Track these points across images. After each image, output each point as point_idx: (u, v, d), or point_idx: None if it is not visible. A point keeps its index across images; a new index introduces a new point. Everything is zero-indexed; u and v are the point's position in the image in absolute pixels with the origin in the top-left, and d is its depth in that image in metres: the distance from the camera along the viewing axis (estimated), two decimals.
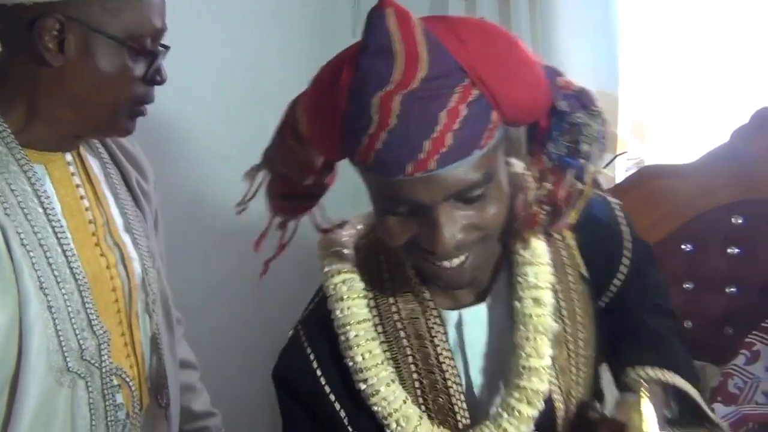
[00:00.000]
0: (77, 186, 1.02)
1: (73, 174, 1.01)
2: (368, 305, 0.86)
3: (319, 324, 0.89)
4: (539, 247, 0.86)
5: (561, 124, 0.78)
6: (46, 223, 0.93)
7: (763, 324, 1.47)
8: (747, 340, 1.48)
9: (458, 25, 0.73)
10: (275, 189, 0.89)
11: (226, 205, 1.90)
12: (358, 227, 0.95)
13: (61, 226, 0.95)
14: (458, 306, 0.88)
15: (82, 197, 1.02)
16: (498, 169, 0.75)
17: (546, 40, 1.89)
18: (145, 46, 0.94)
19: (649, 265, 0.99)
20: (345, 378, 0.86)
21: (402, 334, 0.86)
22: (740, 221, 1.70)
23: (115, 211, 1.07)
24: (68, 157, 1.01)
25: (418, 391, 0.86)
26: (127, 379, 1.01)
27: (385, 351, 0.85)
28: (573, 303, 0.90)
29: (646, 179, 1.81)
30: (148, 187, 1.16)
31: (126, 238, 1.07)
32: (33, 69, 0.90)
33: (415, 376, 0.86)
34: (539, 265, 0.85)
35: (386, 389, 0.83)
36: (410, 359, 0.86)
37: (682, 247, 1.77)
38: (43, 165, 0.96)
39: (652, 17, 1.88)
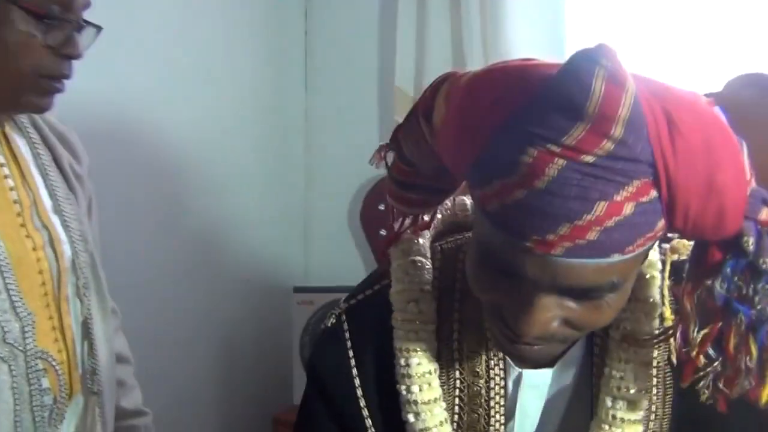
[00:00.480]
0: (0, 165, 0.98)
1: None
2: (437, 344, 0.77)
3: (373, 320, 0.79)
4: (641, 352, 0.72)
5: (740, 262, 0.61)
6: None
7: None
8: None
9: (680, 107, 0.57)
10: (397, 174, 0.77)
11: (168, 194, 1.88)
12: (442, 217, 0.84)
13: None
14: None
15: (6, 176, 0.98)
16: (631, 277, 0.63)
17: (495, 32, 1.91)
18: (50, 13, 0.89)
19: None
20: (383, 390, 0.78)
21: (457, 365, 0.77)
22: None
23: (44, 193, 1.03)
24: None
25: (455, 425, 0.77)
26: (54, 364, 0.98)
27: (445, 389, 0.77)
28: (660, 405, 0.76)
29: None
30: (81, 170, 1.13)
31: (55, 220, 1.03)
32: None
33: (456, 409, 0.77)
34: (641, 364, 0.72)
35: (437, 429, 0.75)
36: (457, 391, 0.77)
37: None
38: None
39: (598, 11, 1.90)
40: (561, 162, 0.54)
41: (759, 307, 0.61)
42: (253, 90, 2.23)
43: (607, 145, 0.54)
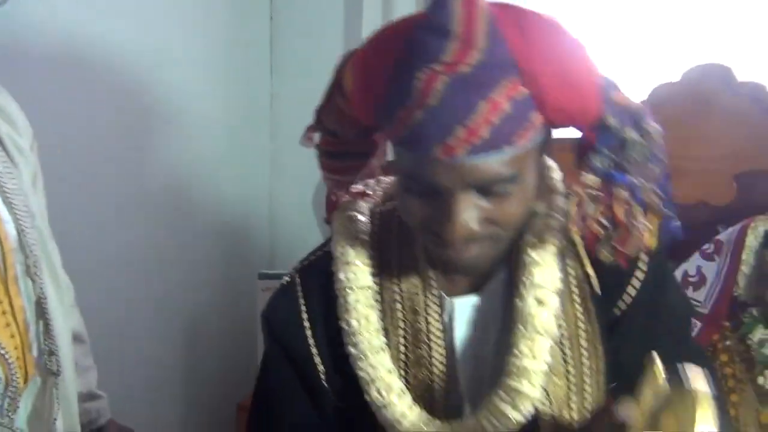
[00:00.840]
0: None
1: None
2: (372, 273, 0.86)
3: (319, 279, 0.89)
4: (550, 251, 0.83)
5: (608, 138, 0.75)
6: None
7: None
8: None
9: (526, 19, 0.72)
10: (325, 147, 0.90)
11: (130, 179, 1.86)
12: (378, 193, 0.94)
13: None
14: (454, 294, 0.87)
15: None
16: (528, 170, 0.73)
17: None
18: None
19: (668, 289, 0.91)
20: (331, 338, 0.87)
21: (398, 306, 0.86)
22: None
23: None
24: None
25: (402, 364, 0.85)
26: (2, 352, 0.94)
27: (381, 319, 0.86)
28: (577, 319, 0.85)
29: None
30: (22, 142, 1.06)
31: None
32: None
33: (402, 348, 0.85)
34: (548, 267, 0.82)
35: (375, 357, 0.83)
36: (401, 332, 0.85)
37: None
38: None
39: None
40: (444, 77, 0.67)
41: (632, 172, 0.75)
42: (217, 76, 2.20)
43: (476, 56, 0.68)
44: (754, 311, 1.37)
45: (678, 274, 1.53)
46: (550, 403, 0.82)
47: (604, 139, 0.76)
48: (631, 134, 0.75)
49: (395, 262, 0.87)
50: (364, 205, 0.92)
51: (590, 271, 0.85)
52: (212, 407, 2.28)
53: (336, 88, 0.82)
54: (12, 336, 0.95)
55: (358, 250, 0.87)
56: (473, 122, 0.67)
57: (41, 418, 1.02)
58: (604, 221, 0.77)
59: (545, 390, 0.81)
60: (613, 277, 0.84)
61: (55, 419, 1.05)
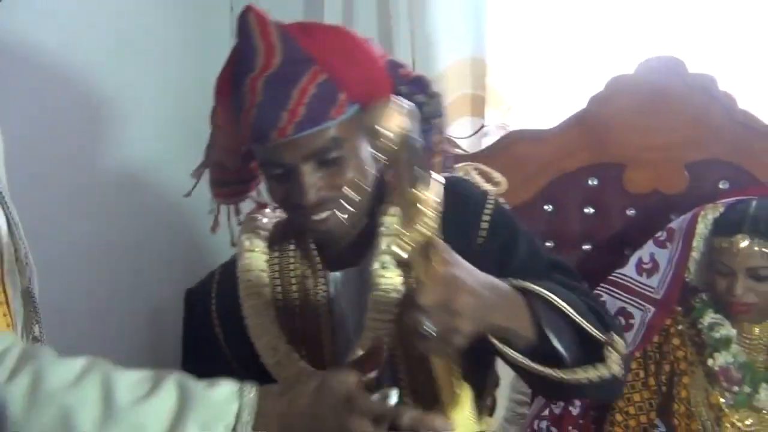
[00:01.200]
0: None
1: None
2: (270, 267, 1.05)
3: (229, 277, 1.08)
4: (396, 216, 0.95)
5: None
6: None
7: (608, 277, 1.59)
8: (595, 292, 1.59)
9: (310, 26, 0.96)
10: (214, 177, 1.09)
11: (92, 175, 1.82)
12: (278, 213, 1.11)
13: None
14: (339, 269, 1.05)
15: None
16: (353, 139, 0.93)
17: (420, 10, 1.95)
18: None
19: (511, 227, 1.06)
20: (236, 319, 1.04)
21: (294, 288, 1.04)
22: (595, 183, 1.82)
23: None
24: None
25: (289, 331, 1.02)
26: None
27: (276, 299, 1.04)
28: None
29: (512, 143, 1.89)
30: None
31: None
32: None
33: (297, 321, 1.03)
34: (390, 236, 0.97)
35: (268, 324, 1.01)
36: (297, 309, 1.03)
37: (545, 207, 1.87)
38: None
39: None
40: (260, 79, 0.89)
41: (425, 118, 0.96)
42: (177, 67, 2.17)
43: (278, 58, 0.89)
44: (704, 296, 1.42)
45: (633, 261, 1.58)
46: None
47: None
48: (420, 97, 0.97)
49: (292, 259, 1.06)
50: (268, 212, 1.11)
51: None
52: None
53: (214, 127, 1.04)
54: (8, 326, 0.94)
55: (256, 241, 1.07)
56: (291, 106, 0.88)
57: None
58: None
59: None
60: (466, 218, 1.01)
61: None
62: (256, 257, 1.06)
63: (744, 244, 1.29)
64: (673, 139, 1.72)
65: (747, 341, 1.35)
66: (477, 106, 1.98)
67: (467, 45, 1.95)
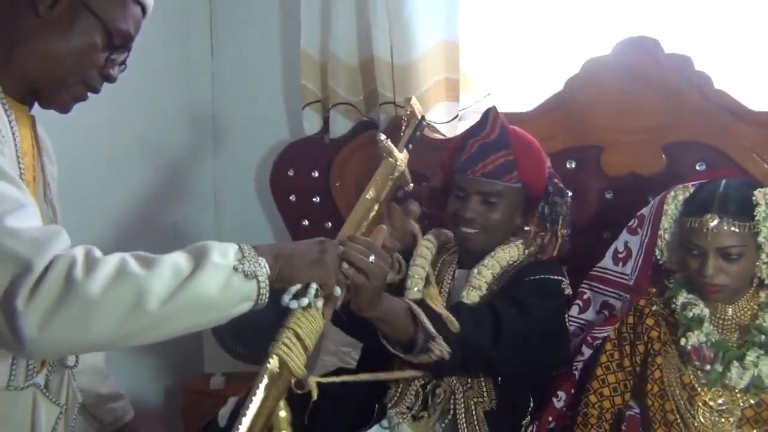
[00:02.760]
0: (33, 145, 1.07)
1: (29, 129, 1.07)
2: (433, 250, 1.57)
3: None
4: (503, 253, 1.47)
5: (547, 198, 1.48)
6: (16, 166, 0.98)
7: (591, 273, 1.59)
8: (579, 290, 1.59)
9: (519, 131, 1.50)
10: (427, 196, 1.61)
11: (69, 167, 1.81)
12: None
13: (21, 174, 1.00)
14: (462, 268, 1.53)
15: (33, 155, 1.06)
16: (509, 200, 1.46)
17: None
18: (120, 42, 1.05)
19: (547, 291, 1.43)
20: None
21: (437, 268, 1.55)
22: (573, 166, 1.82)
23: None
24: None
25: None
26: None
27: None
28: (494, 292, 1.45)
29: None
30: (54, 172, 1.20)
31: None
32: (19, 14, 0.98)
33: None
34: (494, 258, 1.46)
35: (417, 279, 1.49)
36: (433, 277, 1.46)
37: None
38: (13, 112, 1.01)
39: None
40: (479, 142, 1.46)
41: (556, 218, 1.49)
42: (158, 56, 2.16)
43: (494, 135, 1.46)
44: (678, 276, 1.42)
45: (609, 252, 1.57)
46: None
47: (545, 198, 1.49)
48: (557, 198, 1.49)
49: (447, 252, 1.59)
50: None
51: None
52: (159, 388, 2.27)
53: (440, 167, 1.60)
54: None
55: (430, 239, 1.58)
56: (486, 162, 1.44)
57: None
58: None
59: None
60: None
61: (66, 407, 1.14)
62: (426, 249, 1.54)
63: (714, 223, 1.28)
64: (649, 121, 1.72)
65: (720, 320, 1.35)
66: (452, 90, 1.97)
67: (441, 29, 1.94)
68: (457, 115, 1.98)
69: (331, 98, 2.11)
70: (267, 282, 0.90)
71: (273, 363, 0.94)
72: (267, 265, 0.91)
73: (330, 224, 2.22)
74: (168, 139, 2.27)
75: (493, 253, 1.46)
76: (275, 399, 0.94)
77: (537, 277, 1.42)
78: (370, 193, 1.19)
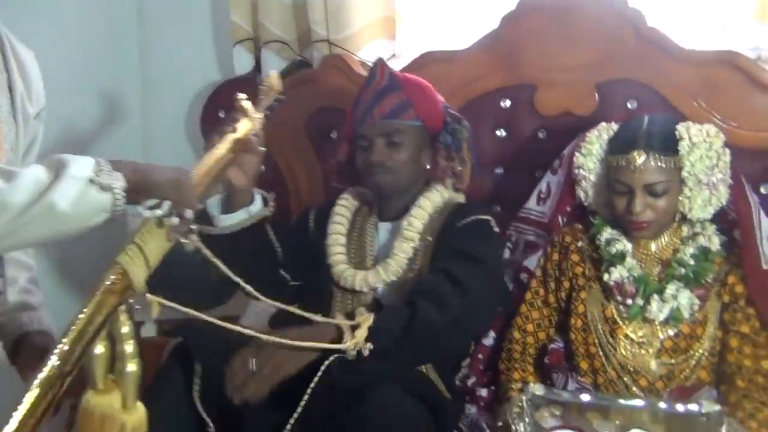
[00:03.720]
0: None
1: None
2: (351, 215, 1.54)
3: (326, 207, 1.57)
4: (428, 201, 1.46)
5: (447, 128, 1.49)
6: None
7: (518, 214, 1.59)
8: (507, 232, 1.59)
9: (407, 75, 1.53)
10: (336, 170, 1.60)
11: None
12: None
13: None
14: (386, 221, 1.53)
15: None
16: (411, 138, 1.46)
17: None
18: None
19: (481, 232, 1.43)
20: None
21: (357, 225, 1.52)
22: (507, 104, 1.79)
23: None
24: None
25: (349, 245, 1.50)
26: None
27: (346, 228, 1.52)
28: (428, 245, 1.45)
29: (424, 65, 1.84)
30: (30, 108, 1.20)
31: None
32: None
33: (352, 240, 1.51)
34: (422, 208, 1.45)
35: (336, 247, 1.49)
36: (355, 237, 1.51)
37: None
38: None
39: None
40: (372, 90, 1.48)
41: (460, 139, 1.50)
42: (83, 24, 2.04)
43: (384, 82, 1.48)
44: (603, 213, 1.42)
45: (534, 193, 1.58)
46: (401, 282, 1.42)
47: (445, 128, 1.49)
48: (456, 125, 1.50)
49: (365, 208, 1.55)
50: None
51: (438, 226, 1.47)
52: None
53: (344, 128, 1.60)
54: None
55: (344, 201, 1.55)
56: (381, 105, 1.45)
57: None
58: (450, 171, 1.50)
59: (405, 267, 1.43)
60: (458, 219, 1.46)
61: None
62: (345, 205, 1.54)
63: (641, 160, 1.28)
64: (583, 59, 1.69)
65: (643, 255, 1.36)
66: (387, 28, 1.91)
67: None
68: (393, 54, 1.93)
69: (263, 36, 2.03)
70: (123, 195, 0.91)
71: (112, 272, 0.92)
72: (123, 179, 0.91)
73: (263, 168, 2.15)
74: (91, 81, 2.16)
75: (418, 202, 1.45)
76: (108, 311, 0.91)
77: (469, 219, 1.42)
78: (221, 148, 1.16)
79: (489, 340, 1.51)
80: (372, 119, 1.44)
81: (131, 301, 0.94)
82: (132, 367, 0.92)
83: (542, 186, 1.55)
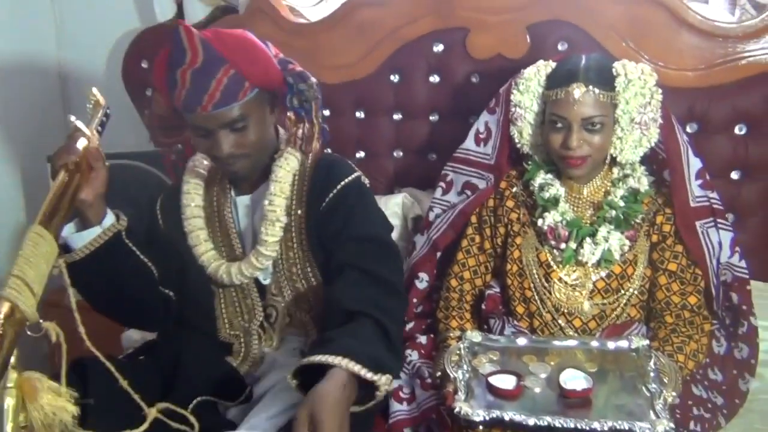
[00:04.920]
0: None
1: None
2: (204, 194, 1.41)
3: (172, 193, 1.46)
4: (284, 171, 1.35)
5: (292, 90, 1.34)
6: None
7: (454, 155, 1.58)
8: (442, 172, 1.58)
9: (221, 33, 1.28)
10: (158, 125, 1.48)
11: None
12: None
13: None
14: (241, 194, 1.41)
15: None
16: (255, 113, 1.28)
17: None
18: None
19: (357, 200, 1.34)
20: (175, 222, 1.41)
21: (215, 208, 1.41)
22: (440, 49, 1.76)
23: None
24: None
25: (213, 235, 1.40)
26: None
27: (204, 216, 1.40)
28: (299, 218, 1.36)
29: (353, 10, 1.79)
30: None
31: None
32: None
33: (215, 228, 1.41)
34: (280, 181, 1.34)
35: (197, 233, 1.38)
36: (216, 223, 1.40)
37: (391, 78, 1.81)
38: None
39: None
40: (189, 72, 1.23)
41: (307, 104, 1.35)
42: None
43: (201, 58, 1.22)
44: (537, 158, 1.42)
45: (471, 133, 1.56)
46: (282, 261, 1.36)
47: (290, 91, 1.34)
48: (301, 85, 1.33)
49: (217, 190, 1.42)
50: (207, 164, 1.44)
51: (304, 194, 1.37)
52: None
53: (155, 95, 1.62)
54: None
55: (195, 179, 1.41)
56: (210, 91, 1.22)
57: None
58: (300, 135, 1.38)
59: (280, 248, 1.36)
60: (325, 185, 1.36)
61: None
62: (195, 191, 1.41)
63: (580, 92, 1.27)
64: (514, 0, 1.67)
65: (575, 199, 1.37)
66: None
67: None
68: None
69: None
70: None
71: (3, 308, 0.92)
72: None
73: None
74: (3, 29, 2.02)
75: (274, 175, 1.33)
76: (10, 346, 0.91)
77: (339, 186, 1.33)
78: (59, 177, 1.12)
79: (422, 283, 1.51)
80: (204, 110, 1.22)
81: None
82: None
83: (479, 125, 1.53)
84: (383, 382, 1.06)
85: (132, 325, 1.51)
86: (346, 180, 1.34)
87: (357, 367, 1.03)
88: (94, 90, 1.32)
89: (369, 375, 1.04)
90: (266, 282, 1.37)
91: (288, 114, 1.36)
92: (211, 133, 1.26)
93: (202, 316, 1.38)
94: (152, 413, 1.16)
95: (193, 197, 1.39)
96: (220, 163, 1.30)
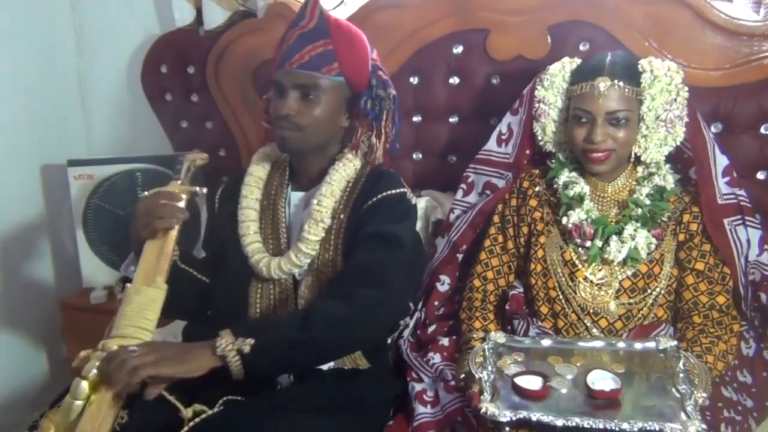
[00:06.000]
0: None
1: None
2: (263, 187, 1.43)
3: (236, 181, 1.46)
4: (339, 174, 1.35)
5: (370, 92, 1.35)
6: None
7: (476, 157, 1.57)
8: (464, 174, 1.57)
9: (342, 21, 1.34)
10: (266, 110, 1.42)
11: None
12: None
13: None
14: (297, 191, 1.43)
15: None
16: (328, 95, 1.31)
17: None
18: None
19: (393, 207, 1.33)
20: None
21: (271, 200, 1.42)
22: (460, 50, 1.75)
23: None
24: None
25: (264, 227, 1.41)
26: None
27: (259, 208, 1.41)
28: (341, 222, 1.35)
29: (373, 12, 1.79)
30: None
31: None
32: None
33: (266, 220, 1.41)
34: (332, 184, 1.34)
35: (249, 223, 1.39)
36: (270, 216, 1.41)
37: (410, 80, 1.80)
38: None
39: None
40: (297, 33, 1.32)
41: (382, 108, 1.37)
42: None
43: (313, 24, 1.31)
44: (561, 156, 1.41)
45: (494, 135, 1.55)
46: (318, 262, 1.35)
47: (368, 94, 1.35)
48: (380, 91, 1.35)
49: (279, 179, 1.44)
50: (273, 150, 1.47)
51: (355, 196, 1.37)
52: (35, 305, 2.14)
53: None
54: None
55: (257, 172, 1.44)
56: (303, 53, 1.29)
57: None
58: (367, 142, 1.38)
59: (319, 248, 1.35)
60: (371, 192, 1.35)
61: None
62: (255, 181, 1.42)
63: (605, 85, 1.26)
64: (534, 1, 1.66)
65: (600, 198, 1.36)
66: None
67: None
68: (342, 1, 1.87)
69: None
70: None
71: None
72: None
73: (210, 124, 2.09)
74: (20, 34, 2.03)
75: (328, 176, 1.34)
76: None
77: (380, 196, 1.32)
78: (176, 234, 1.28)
79: (443, 285, 1.50)
80: (290, 66, 1.29)
81: None
82: None
83: (502, 127, 1.52)
84: (223, 344, 1.12)
85: (168, 315, 1.42)
86: (391, 191, 1.33)
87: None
88: (189, 158, 1.45)
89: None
90: (300, 279, 1.36)
91: (360, 116, 1.35)
92: (285, 91, 1.29)
93: (233, 302, 1.38)
94: (188, 412, 1.12)
95: (253, 189, 1.41)
96: (277, 122, 1.31)
